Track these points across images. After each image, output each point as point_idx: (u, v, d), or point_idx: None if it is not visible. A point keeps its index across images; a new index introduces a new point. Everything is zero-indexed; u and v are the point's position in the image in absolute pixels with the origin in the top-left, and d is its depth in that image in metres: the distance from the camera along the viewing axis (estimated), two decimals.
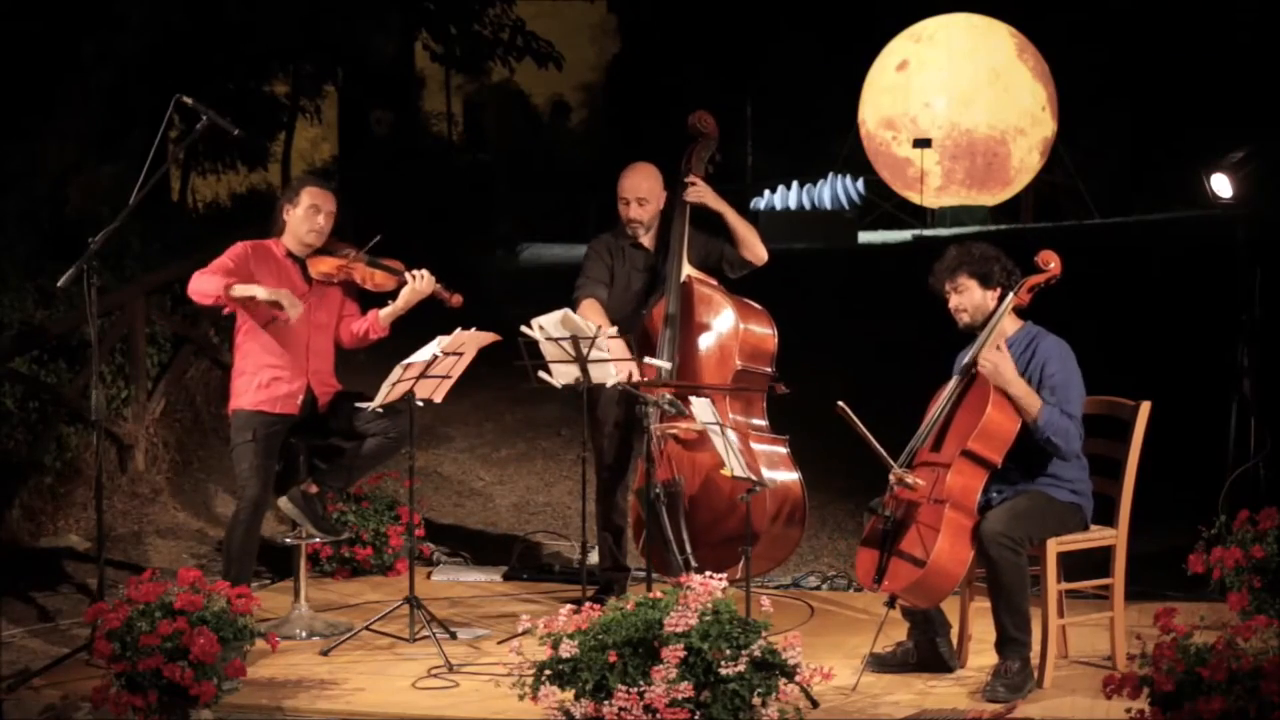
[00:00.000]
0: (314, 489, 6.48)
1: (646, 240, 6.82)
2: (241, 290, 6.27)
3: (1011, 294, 5.62)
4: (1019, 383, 5.48)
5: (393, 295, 6.59)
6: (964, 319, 5.69)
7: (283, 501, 6.45)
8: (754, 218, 19.08)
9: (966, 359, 5.67)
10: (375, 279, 6.57)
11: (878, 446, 5.51)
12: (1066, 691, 5.48)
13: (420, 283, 6.52)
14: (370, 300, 6.68)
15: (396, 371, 6.13)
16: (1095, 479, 5.68)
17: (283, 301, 6.29)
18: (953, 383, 5.66)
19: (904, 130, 20.24)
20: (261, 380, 6.39)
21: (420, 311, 6.68)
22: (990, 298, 5.65)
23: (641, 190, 6.75)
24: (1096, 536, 5.68)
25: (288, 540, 6.57)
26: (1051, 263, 5.64)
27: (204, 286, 6.30)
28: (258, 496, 6.33)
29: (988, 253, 5.69)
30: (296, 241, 6.49)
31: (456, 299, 6.59)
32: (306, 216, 6.46)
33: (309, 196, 6.48)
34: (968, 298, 5.66)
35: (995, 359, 5.50)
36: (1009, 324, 5.69)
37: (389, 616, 6.37)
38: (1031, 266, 5.68)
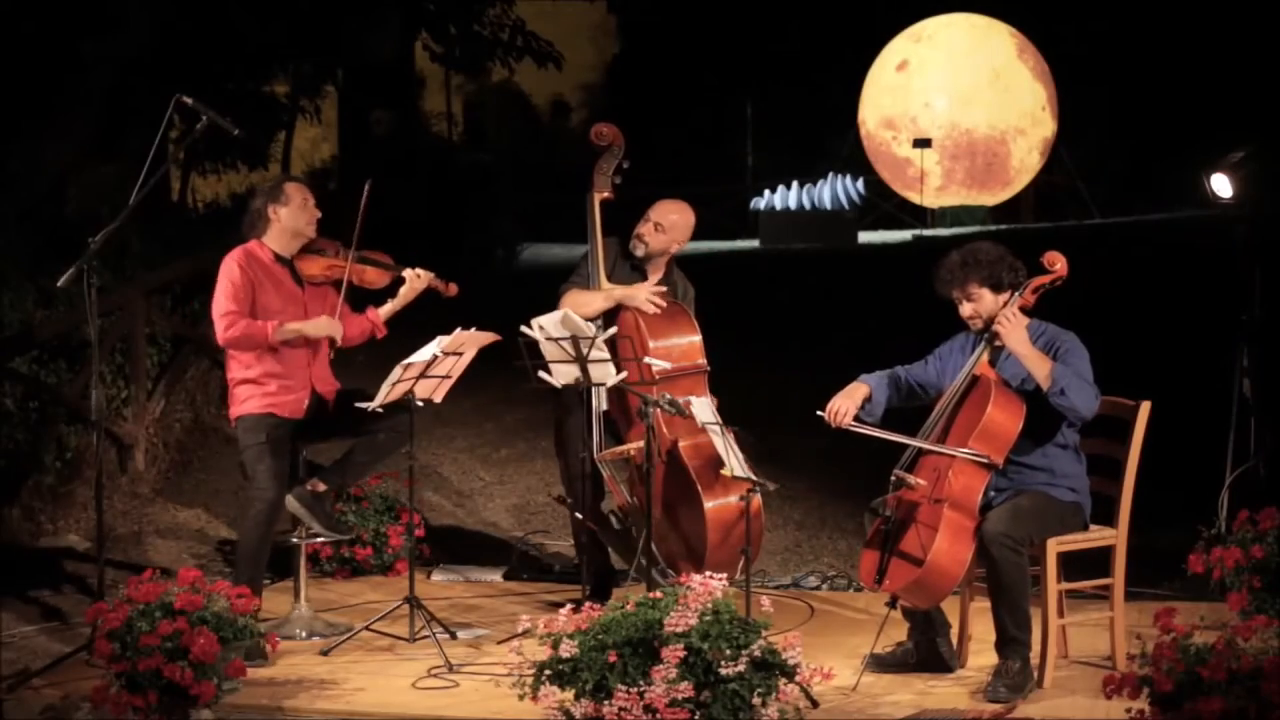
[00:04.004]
0: (321, 488, 6.48)
1: (653, 270, 6.79)
2: (290, 332, 6.31)
3: (1017, 295, 5.61)
4: (1028, 344, 5.48)
5: (386, 290, 6.60)
6: (978, 325, 5.68)
7: (289, 501, 6.44)
8: (754, 217, 19.20)
9: (969, 360, 5.66)
10: (366, 275, 6.57)
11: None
12: (1066, 691, 5.48)
13: (418, 280, 6.56)
14: (358, 297, 6.67)
15: (396, 371, 6.13)
16: (1095, 479, 5.68)
17: (333, 334, 6.41)
18: (955, 383, 5.66)
19: (904, 130, 20.24)
20: (269, 388, 6.37)
21: (418, 309, 6.68)
22: (1002, 301, 5.63)
23: (668, 218, 6.71)
24: (1096, 536, 5.68)
25: (294, 540, 6.56)
26: (1057, 264, 5.63)
27: (249, 341, 6.31)
28: (276, 498, 6.30)
29: (993, 255, 5.65)
30: (290, 238, 6.46)
31: (452, 288, 6.63)
32: (301, 209, 6.45)
33: (296, 192, 6.47)
34: (981, 305, 5.64)
35: (1010, 322, 5.50)
36: None
37: (389, 616, 6.37)
38: (1036, 267, 5.67)
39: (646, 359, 6.45)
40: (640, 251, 6.74)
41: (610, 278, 6.72)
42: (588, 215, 6.77)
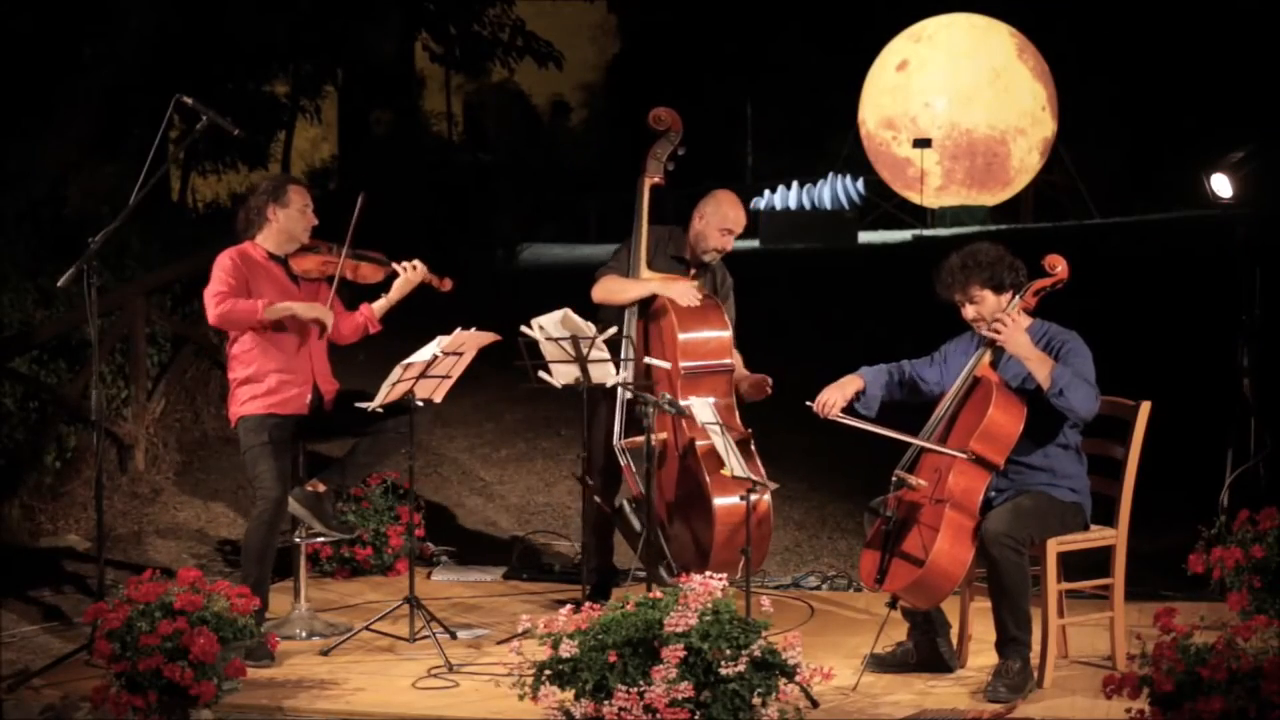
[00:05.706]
0: (322, 488, 6.47)
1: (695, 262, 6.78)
2: (279, 310, 6.29)
3: (1018, 297, 5.61)
4: (1029, 346, 5.48)
5: (381, 287, 6.60)
6: (981, 327, 5.67)
7: (289, 501, 6.43)
8: (754, 217, 19.22)
9: (970, 362, 5.66)
10: (361, 271, 6.57)
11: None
12: (1066, 691, 5.48)
13: (412, 273, 6.56)
14: (353, 294, 6.67)
15: (396, 371, 6.13)
16: (1095, 479, 5.68)
17: (322, 319, 6.38)
18: (956, 384, 5.66)
19: (904, 130, 20.26)
20: (270, 385, 6.37)
21: (418, 309, 6.67)
22: (1005, 302, 5.63)
23: (741, 223, 6.71)
24: (1096, 536, 5.68)
25: (297, 539, 6.56)
26: (1058, 267, 5.62)
27: (238, 317, 6.28)
28: (280, 497, 6.29)
29: (993, 255, 5.64)
30: (287, 239, 6.45)
31: (447, 283, 6.61)
32: (302, 214, 6.45)
33: (298, 195, 6.47)
34: (984, 307, 5.63)
35: (1007, 325, 5.50)
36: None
37: (389, 616, 6.37)
38: (1036, 268, 5.66)
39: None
40: (716, 261, 6.72)
41: (650, 266, 6.69)
42: (636, 200, 6.68)
